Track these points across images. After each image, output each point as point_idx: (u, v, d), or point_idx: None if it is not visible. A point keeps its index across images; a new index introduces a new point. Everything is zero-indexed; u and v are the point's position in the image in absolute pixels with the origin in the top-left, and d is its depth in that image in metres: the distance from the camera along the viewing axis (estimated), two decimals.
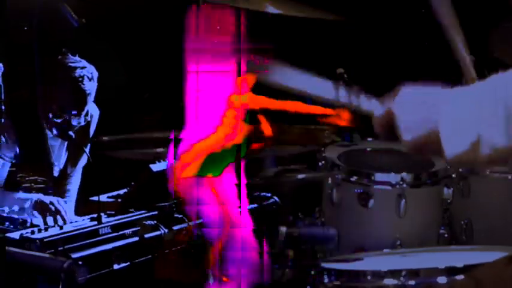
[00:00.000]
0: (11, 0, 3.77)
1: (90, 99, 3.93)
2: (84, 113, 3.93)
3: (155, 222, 3.25)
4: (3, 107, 3.49)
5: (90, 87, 3.90)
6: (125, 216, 3.28)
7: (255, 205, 3.61)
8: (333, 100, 1.91)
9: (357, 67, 4.71)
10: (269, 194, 3.72)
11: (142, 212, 3.32)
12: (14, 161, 3.88)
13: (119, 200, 3.59)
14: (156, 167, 3.48)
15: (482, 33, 4.17)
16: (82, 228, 3.10)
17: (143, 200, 3.41)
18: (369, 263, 3.33)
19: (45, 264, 2.88)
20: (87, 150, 3.98)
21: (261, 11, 3.89)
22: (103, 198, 3.48)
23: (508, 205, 3.96)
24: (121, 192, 3.71)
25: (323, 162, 4.01)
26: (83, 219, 3.33)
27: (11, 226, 3.34)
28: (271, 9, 3.90)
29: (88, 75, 3.88)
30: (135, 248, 3.17)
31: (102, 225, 3.14)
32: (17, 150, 3.88)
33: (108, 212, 3.31)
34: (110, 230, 3.15)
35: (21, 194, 3.76)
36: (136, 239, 3.18)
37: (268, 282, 3.35)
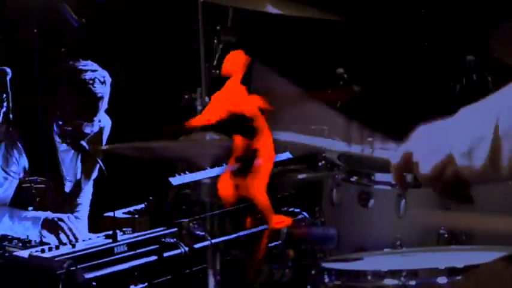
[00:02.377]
0: (11, 0, 3.74)
1: (103, 104, 3.73)
2: (97, 119, 3.72)
3: (175, 239, 3.08)
4: (11, 116, 3.32)
5: (103, 91, 3.70)
6: (143, 233, 3.09)
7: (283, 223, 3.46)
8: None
9: (357, 67, 4.71)
10: (298, 210, 3.56)
11: (161, 228, 3.13)
12: (21, 177, 3.70)
13: (136, 216, 3.36)
14: (176, 180, 3.24)
15: (483, 33, 4.17)
16: (96, 247, 2.94)
17: (162, 216, 3.20)
18: (369, 263, 3.33)
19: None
20: (100, 161, 3.70)
21: (261, 10, 3.89)
22: (118, 214, 3.28)
23: (508, 205, 3.96)
24: (138, 207, 3.46)
25: (323, 162, 4.01)
26: (97, 237, 3.15)
27: (20, 244, 3.18)
28: (271, 9, 3.89)
29: (100, 78, 3.70)
30: (153, 267, 2.99)
31: (118, 243, 2.97)
32: (26, 165, 3.69)
33: (124, 229, 3.12)
34: (126, 248, 2.98)
35: (29, 212, 3.58)
36: (154, 258, 3.01)
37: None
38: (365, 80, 4.67)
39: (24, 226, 3.53)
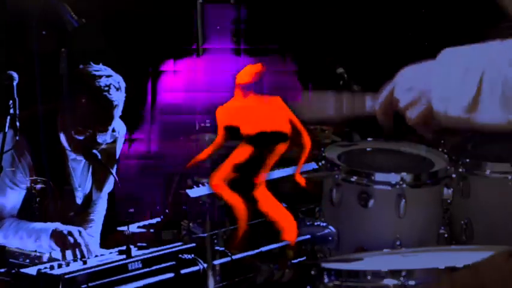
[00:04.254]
0: (11, 1, 3.70)
1: (118, 112, 3.51)
2: (111, 128, 3.51)
3: (193, 256, 2.92)
4: (18, 124, 3.13)
5: (118, 98, 3.48)
6: (158, 249, 2.92)
7: (308, 236, 3.32)
8: (338, 115, 1.91)
9: (357, 67, 4.71)
10: (324, 224, 3.45)
11: (179, 244, 2.98)
12: (29, 188, 3.51)
13: (151, 230, 3.23)
14: (194, 192, 3.12)
15: (482, 33, 4.17)
16: (109, 263, 2.78)
17: (179, 230, 3.09)
18: (369, 263, 3.33)
19: (54, 282, 2.65)
20: (114, 172, 3.53)
21: None
22: (133, 228, 3.16)
23: (508, 205, 3.96)
24: (154, 221, 3.32)
25: (323, 162, 4.01)
26: (110, 253, 3.00)
27: (27, 261, 3.07)
28: None
29: (115, 84, 3.48)
30: (170, 285, 2.85)
31: (132, 260, 2.82)
32: (34, 175, 3.50)
33: (138, 244, 2.97)
34: (140, 265, 2.83)
35: (37, 224, 3.42)
36: (171, 275, 2.86)
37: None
38: (365, 80, 4.68)
39: (32, 238, 3.38)
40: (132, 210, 3.40)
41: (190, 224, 3.17)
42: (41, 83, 3.32)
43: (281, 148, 2.59)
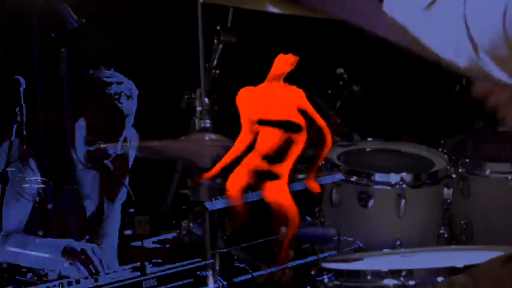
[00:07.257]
0: (10, 1, 3.69)
1: (129, 121, 3.34)
2: (122, 138, 3.33)
3: (211, 272, 2.80)
4: (25, 132, 2.97)
5: (129, 106, 3.31)
6: (175, 265, 2.79)
7: (334, 252, 3.24)
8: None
9: (357, 67, 4.71)
10: (351, 239, 3.42)
11: (197, 260, 2.83)
12: (37, 200, 3.33)
13: (167, 245, 3.15)
14: (213, 205, 2.92)
15: None
16: (122, 281, 2.66)
17: (197, 245, 2.96)
18: (369, 263, 3.33)
19: None
20: (127, 183, 3.34)
21: (261, 10, 3.88)
22: (147, 243, 3.09)
23: (508, 205, 3.97)
24: (169, 236, 3.24)
25: (323, 162, 4.01)
26: (123, 269, 2.87)
27: (35, 278, 2.96)
28: (272, 9, 3.88)
29: (126, 92, 3.30)
30: None
31: (147, 277, 2.70)
32: (40, 186, 3.31)
33: (153, 261, 2.84)
34: (156, 283, 2.71)
35: (46, 240, 3.24)
36: None
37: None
38: (365, 80, 4.68)
39: (41, 255, 3.20)
40: (132, 210, 3.37)
41: (190, 224, 3.14)
42: (46, 88, 3.16)
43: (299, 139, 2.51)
